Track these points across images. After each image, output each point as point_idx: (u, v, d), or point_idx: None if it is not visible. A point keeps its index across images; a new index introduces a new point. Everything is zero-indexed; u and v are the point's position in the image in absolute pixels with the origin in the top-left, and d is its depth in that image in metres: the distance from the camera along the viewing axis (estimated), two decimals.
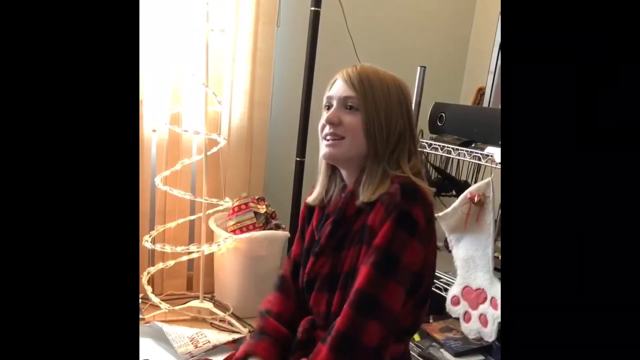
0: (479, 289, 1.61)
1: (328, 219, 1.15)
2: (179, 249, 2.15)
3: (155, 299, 2.14)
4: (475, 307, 1.61)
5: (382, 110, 1.07)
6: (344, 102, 1.08)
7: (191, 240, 2.43)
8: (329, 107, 1.11)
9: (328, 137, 1.09)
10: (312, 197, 1.21)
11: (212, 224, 2.33)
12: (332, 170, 1.19)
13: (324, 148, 1.10)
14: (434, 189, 1.11)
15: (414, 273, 1.02)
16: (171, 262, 2.23)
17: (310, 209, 1.25)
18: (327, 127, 1.09)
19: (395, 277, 0.99)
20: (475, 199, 1.58)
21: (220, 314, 2.21)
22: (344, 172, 1.16)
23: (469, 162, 1.79)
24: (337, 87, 1.10)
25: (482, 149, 1.66)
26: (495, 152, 1.60)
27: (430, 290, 1.13)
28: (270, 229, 2.35)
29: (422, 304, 1.12)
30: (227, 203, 2.25)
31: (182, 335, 1.92)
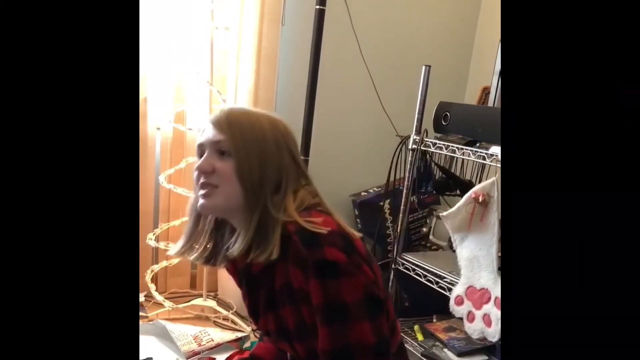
0: (483, 288, 1.60)
1: (241, 276, 1.13)
2: None
3: (158, 297, 2.14)
4: (479, 307, 1.61)
5: (254, 153, 0.99)
6: (215, 148, 1.00)
7: None
8: (201, 155, 1.03)
9: (201, 187, 1.01)
10: (176, 251, 1.13)
11: None
12: (219, 221, 1.11)
13: (199, 199, 1.02)
14: (326, 216, 1.02)
15: (366, 300, 0.97)
16: (175, 260, 2.23)
17: (227, 269, 1.18)
18: (200, 176, 1.01)
19: (352, 319, 0.95)
20: (480, 199, 1.58)
21: (224, 312, 2.21)
22: (233, 223, 1.07)
23: (474, 161, 1.79)
24: (207, 133, 1.02)
25: (487, 149, 1.65)
26: (499, 151, 1.59)
27: (384, 290, 1.08)
28: None
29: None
30: None
31: (185, 333, 1.92)
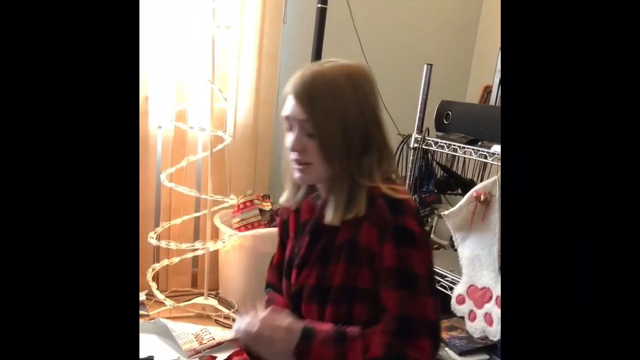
0: (484, 287, 1.60)
1: (304, 227, 1.14)
2: (184, 245, 2.15)
3: (160, 296, 2.14)
4: (480, 306, 1.61)
5: (337, 128, 1.01)
6: (302, 127, 1.03)
7: (196, 237, 2.43)
8: (290, 127, 1.05)
9: (296, 163, 1.05)
10: (283, 199, 1.18)
11: (217, 221, 2.33)
12: None
13: (295, 172, 1.07)
14: (405, 188, 1.10)
15: (429, 277, 1.03)
16: (176, 259, 2.24)
17: (284, 221, 1.24)
18: (293, 153, 1.05)
19: (420, 291, 0.99)
20: (482, 198, 1.58)
21: (225, 310, 2.21)
22: (320, 187, 1.12)
23: (475, 160, 1.78)
24: (291, 107, 1.03)
25: (489, 148, 1.65)
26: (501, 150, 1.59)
27: None
28: (275, 226, 2.35)
29: None
30: (232, 200, 2.25)
31: (186, 331, 1.92)
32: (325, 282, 1.06)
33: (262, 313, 1.04)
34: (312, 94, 1.01)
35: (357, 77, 1.05)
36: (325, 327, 1.02)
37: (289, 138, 1.05)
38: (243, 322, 1.05)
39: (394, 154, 1.12)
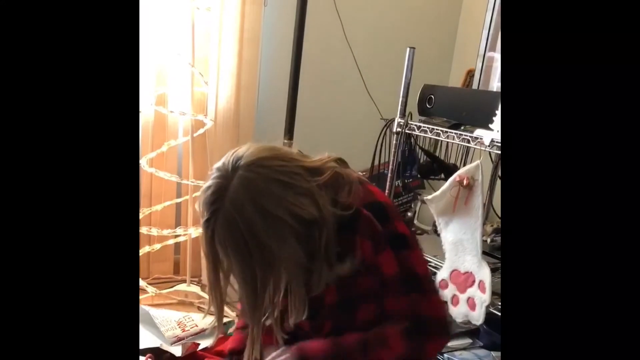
0: (467, 272, 1.61)
1: None
2: (165, 232, 2.14)
3: (141, 283, 2.13)
4: (463, 291, 1.61)
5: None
6: None
7: (178, 223, 2.41)
8: None
9: None
10: None
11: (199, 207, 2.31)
12: None
13: None
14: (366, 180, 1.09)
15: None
16: (157, 246, 2.22)
17: None
18: None
19: (426, 291, 1.01)
20: (464, 182, 1.57)
21: (207, 297, 2.20)
22: None
23: (458, 144, 1.78)
24: None
25: (472, 132, 1.65)
26: (484, 134, 1.59)
27: None
28: None
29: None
30: None
31: (169, 319, 1.91)
32: (315, 301, 1.03)
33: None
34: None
35: (265, 188, 0.93)
36: (319, 349, 1.02)
37: None
38: None
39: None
